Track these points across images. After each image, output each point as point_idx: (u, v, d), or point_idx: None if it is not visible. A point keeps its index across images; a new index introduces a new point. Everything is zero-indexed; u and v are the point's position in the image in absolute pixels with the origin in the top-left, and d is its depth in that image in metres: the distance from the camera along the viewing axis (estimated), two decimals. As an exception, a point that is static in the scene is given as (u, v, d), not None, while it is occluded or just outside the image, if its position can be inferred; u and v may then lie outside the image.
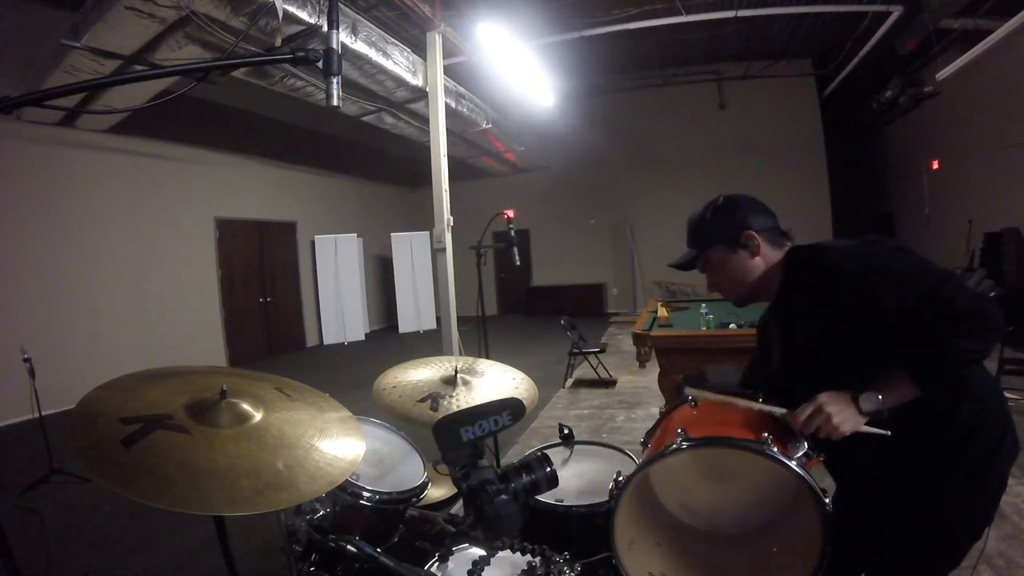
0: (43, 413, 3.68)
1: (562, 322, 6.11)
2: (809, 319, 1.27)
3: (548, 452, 1.93)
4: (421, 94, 6.47)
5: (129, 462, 0.97)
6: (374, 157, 12.03)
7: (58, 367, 5.24)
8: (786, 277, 1.32)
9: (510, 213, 3.30)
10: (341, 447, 1.25)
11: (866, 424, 1.15)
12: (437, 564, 1.35)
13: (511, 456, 3.76)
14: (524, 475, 1.37)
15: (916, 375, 1.10)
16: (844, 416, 1.14)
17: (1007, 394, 4.15)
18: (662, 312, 4.11)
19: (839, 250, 1.23)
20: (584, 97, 12.28)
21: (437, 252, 5.60)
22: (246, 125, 8.90)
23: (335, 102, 1.10)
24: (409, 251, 11.39)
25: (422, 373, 1.90)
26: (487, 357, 2.37)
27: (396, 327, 11.40)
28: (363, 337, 10.74)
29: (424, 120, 6.92)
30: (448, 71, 6.76)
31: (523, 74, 7.03)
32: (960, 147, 9.36)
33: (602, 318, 11.91)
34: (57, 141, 6.22)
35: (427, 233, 9.93)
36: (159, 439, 1.04)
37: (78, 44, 4.40)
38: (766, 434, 1.25)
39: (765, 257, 1.34)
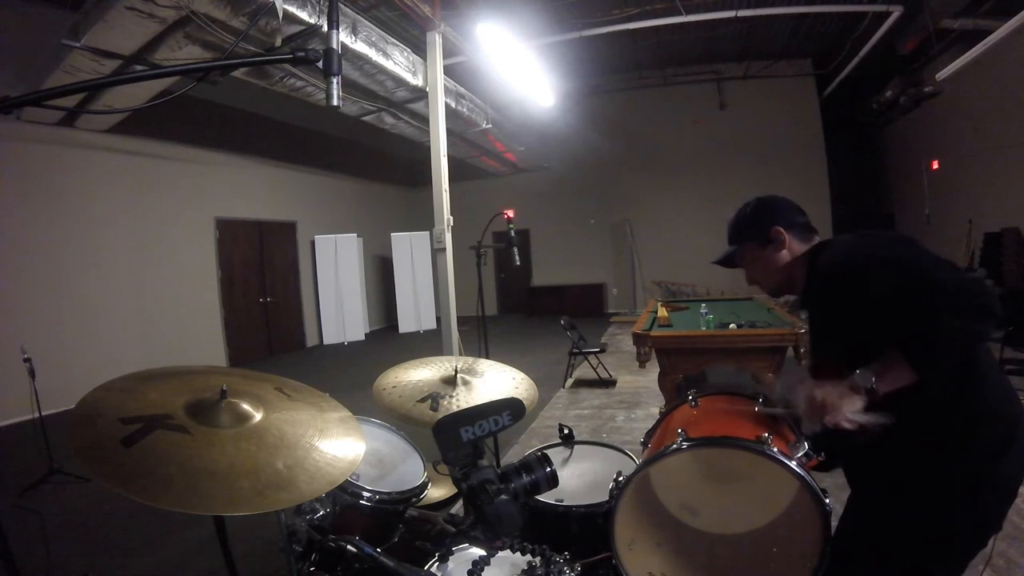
0: (43, 413, 3.68)
1: (562, 322, 6.11)
2: (821, 309, 1.36)
3: (548, 452, 1.93)
4: (421, 94, 6.47)
5: (129, 462, 0.97)
6: (374, 157, 12.04)
7: (58, 367, 5.24)
8: (809, 269, 1.40)
9: (510, 213, 3.31)
10: (341, 447, 1.25)
11: (862, 408, 1.13)
12: (437, 564, 1.34)
13: (511, 456, 3.76)
14: (524, 475, 1.37)
15: (907, 353, 1.08)
16: (839, 391, 1.14)
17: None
18: (662, 312, 4.11)
19: (840, 242, 1.31)
20: (584, 97, 12.29)
21: (437, 252, 5.61)
22: (246, 125, 8.90)
23: (335, 102, 1.10)
24: (409, 251, 11.39)
25: (422, 373, 1.90)
26: (487, 357, 2.37)
27: (396, 327, 11.40)
28: (363, 337, 10.74)
29: (424, 120, 6.92)
30: (448, 71, 6.76)
31: (523, 74, 7.03)
32: (960, 147, 9.37)
33: (602, 318, 11.92)
34: (57, 141, 6.22)
35: (427, 233, 9.94)
36: (159, 439, 1.04)
37: (78, 44, 4.40)
38: (766, 434, 1.25)
39: (792, 251, 1.43)
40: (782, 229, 1.42)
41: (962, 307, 1.02)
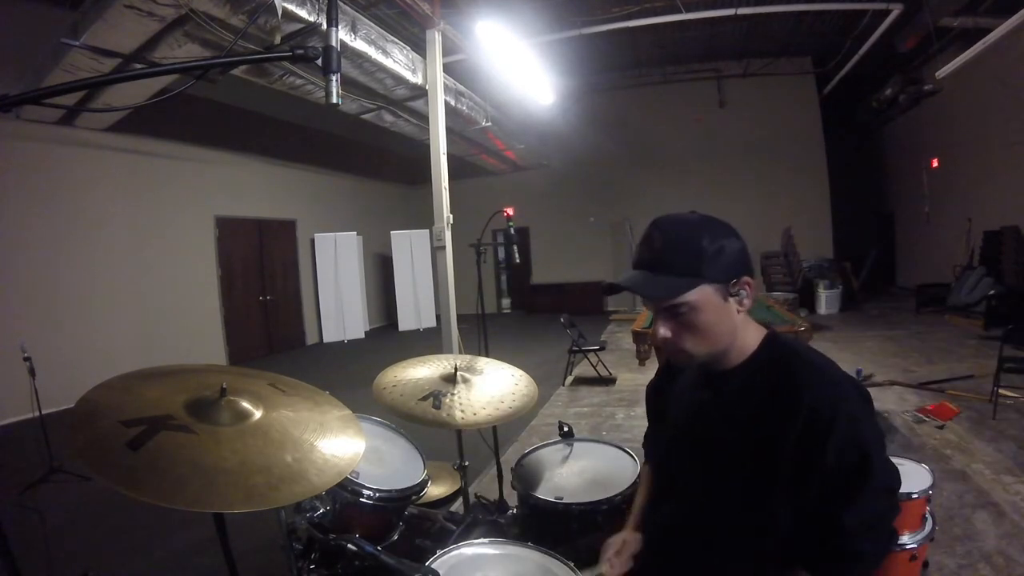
0: (43, 412, 3.68)
1: (562, 320, 6.12)
2: (738, 428, 1.01)
3: (548, 450, 1.94)
4: (421, 92, 6.46)
5: (140, 465, 0.97)
6: (374, 155, 12.03)
7: (58, 366, 5.23)
8: (755, 361, 1.05)
9: (510, 211, 3.30)
10: (341, 443, 1.25)
11: None
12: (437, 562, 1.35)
13: (511, 454, 3.76)
14: None
15: None
16: None
17: (1007, 392, 4.16)
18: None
19: (819, 374, 0.97)
20: (584, 95, 12.28)
21: (437, 250, 5.60)
22: (245, 123, 8.89)
23: (334, 100, 1.10)
24: (409, 249, 11.39)
25: (421, 371, 1.90)
26: (487, 355, 2.37)
27: (396, 325, 11.40)
28: (363, 335, 10.74)
29: (424, 118, 6.91)
30: (448, 69, 6.75)
31: (523, 72, 7.02)
32: (960, 145, 9.37)
33: (602, 316, 11.91)
34: (56, 140, 6.21)
35: (427, 231, 9.93)
36: (165, 440, 1.04)
37: (77, 43, 4.39)
38: None
39: (742, 318, 1.04)
40: (751, 282, 1.03)
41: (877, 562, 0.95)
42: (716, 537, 1.03)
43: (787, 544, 0.94)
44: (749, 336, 1.06)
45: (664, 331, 1.02)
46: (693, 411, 1.13)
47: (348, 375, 7.13)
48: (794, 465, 0.91)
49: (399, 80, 6.13)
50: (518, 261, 3.03)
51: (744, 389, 1.03)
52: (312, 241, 10.36)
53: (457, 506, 2.35)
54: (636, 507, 1.34)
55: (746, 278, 1.02)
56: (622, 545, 1.22)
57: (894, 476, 0.94)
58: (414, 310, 11.40)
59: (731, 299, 1.01)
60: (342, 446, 1.24)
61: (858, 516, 0.89)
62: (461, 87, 7.80)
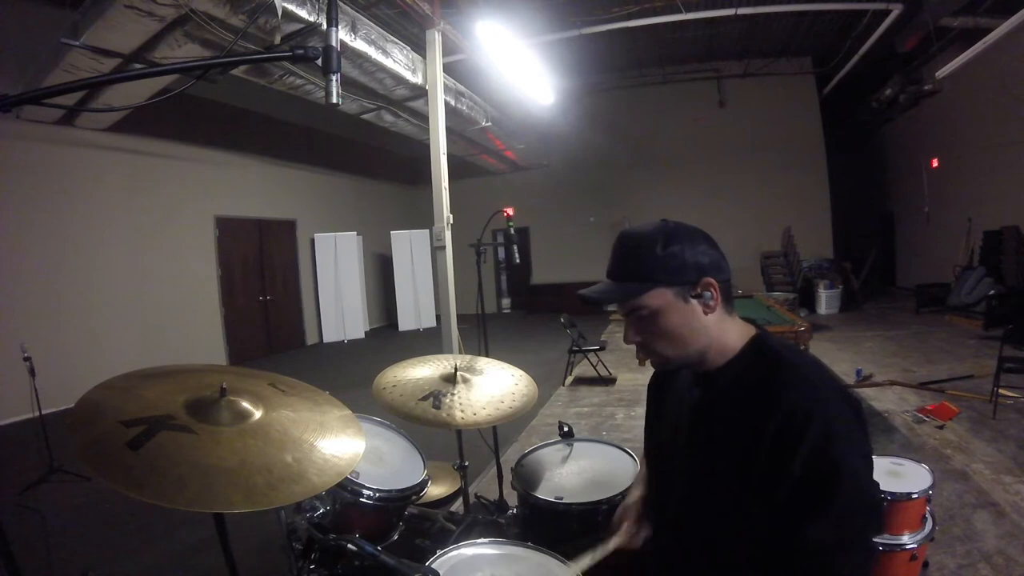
0: (43, 412, 3.68)
1: (562, 320, 6.12)
2: (725, 429, 1.00)
3: (548, 450, 1.94)
4: (421, 92, 6.47)
5: (139, 465, 0.97)
6: (374, 155, 12.04)
7: (58, 366, 5.24)
8: (740, 361, 1.04)
9: (510, 211, 3.29)
10: (341, 443, 1.25)
11: None
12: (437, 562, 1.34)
13: (511, 454, 3.76)
14: None
15: None
16: None
17: (1007, 392, 4.16)
18: (662, 310, 4.10)
19: (800, 377, 0.94)
20: (584, 95, 12.28)
21: (437, 250, 5.61)
22: (246, 123, 8.89)
23: (334, 100, 1.10)
24: (409, 249, 11.39)
25: (421, 371, 1.90)
26: (487, 355, 2.36)
27: (396, 325, 11.41)
28: (363, 335, 10.74)
29: (424, 118, 6.92)
30: (448, 69, 6.76)
31: (523, 72, 7.02)
32: (960, 145, 9.37)
33: (602, 316, 11.91)
34: (56, 140, 6.21)
35: (427, 231, 9.93)
36: (166, 440, 1.04)
37: (77, 43, 4.39)
38: None
39: (720, 321, 1.04)
40: (716, 283, 1.02)
41: None
42: (710, 540, 1.02)
43: (759, 549, 0.91)
44: (730, 336, 1.05)
45: (632, 335, 1.06)
46: (686, 410, 1.12)
47: (348, 375, 7.13)
48: (765, 469, 0.88)
49: (399, 80, 6.13)
50: (518, 261, 3.02)
51: (730, 389, 1.02)
52: (312, 241, 10.36)
53: (457, 506, 2.35)
54: (640, 476, 1.39)
55: (708, 279, 1.01)
56: (624, 513, 1.26)
57: (871, 493, 0.88)
58: (414, 310, 11.40)
59: (694, 301, 1.01)
60: (342, 446, 1.23)
61: (823, 532, 0.83)
62: (461, 87, 7.80)
